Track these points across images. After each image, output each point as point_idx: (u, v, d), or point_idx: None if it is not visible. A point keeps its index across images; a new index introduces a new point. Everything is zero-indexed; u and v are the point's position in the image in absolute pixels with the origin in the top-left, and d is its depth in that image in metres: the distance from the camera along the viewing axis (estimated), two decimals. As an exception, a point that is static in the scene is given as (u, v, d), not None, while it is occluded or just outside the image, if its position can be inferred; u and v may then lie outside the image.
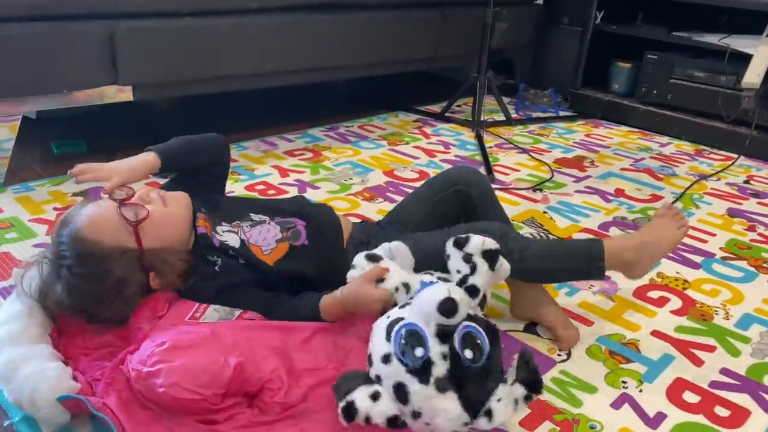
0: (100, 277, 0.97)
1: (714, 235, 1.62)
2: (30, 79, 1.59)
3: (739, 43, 2.22)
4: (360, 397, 0.81)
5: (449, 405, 0.80)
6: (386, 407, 0.81)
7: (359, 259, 0.99)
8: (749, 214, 1.76)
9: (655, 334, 1.19)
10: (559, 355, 1.11)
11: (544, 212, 1.70)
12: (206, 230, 1.07)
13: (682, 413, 0.99)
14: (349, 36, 2.21)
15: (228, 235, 1.08)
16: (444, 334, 0.82)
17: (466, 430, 0.83)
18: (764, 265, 1.47)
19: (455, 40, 2.57)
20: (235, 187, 1.75)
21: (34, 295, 0.99)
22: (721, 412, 1.00)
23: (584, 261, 1.09)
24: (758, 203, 1.84)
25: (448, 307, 0.81)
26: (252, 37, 1.96)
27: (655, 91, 2.47)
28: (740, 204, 1.83)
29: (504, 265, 0.98)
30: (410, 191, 1.33)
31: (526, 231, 1.56)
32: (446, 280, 0.96)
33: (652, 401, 1.01)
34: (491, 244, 0.96)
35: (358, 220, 1.32)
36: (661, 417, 0.98)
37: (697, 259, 1.49)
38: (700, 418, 0.98)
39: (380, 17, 2.29)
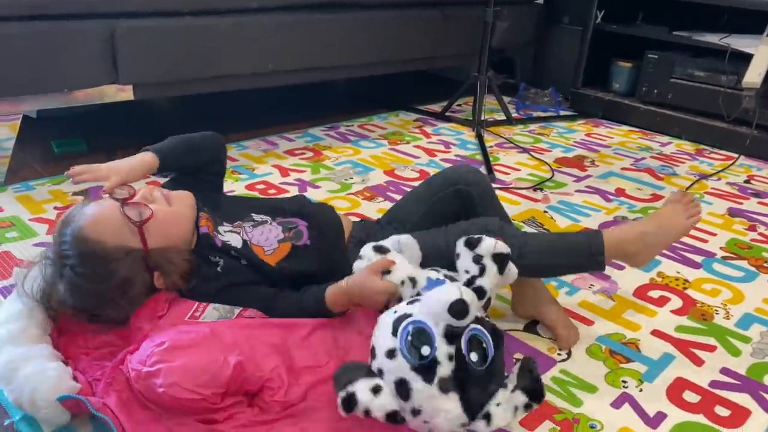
0: (105, 277, 0.97)
1: (714, 234, 1.62)
2: (30, 78, 1.59)
3: (739, 42, 2.21)
4: (361, 389, 0.81)
5: (450, 406, 0.80)
6: (386, 402, 0.81)
7: (366, 249, 0.99)
8: (750, 213, 1.76)
9: (656, 333, 1.19)
10: (559, 354, 1.11)
11: (545, 212, 1.70)
12: (209, 230, 1.07)
13: (683, 413, 0.99)
14: (350, 35, 2.21)
15: (230, 235, 1.08)
16: (452, 335, 0.82)
17: (463, 431, 0.83)
18: (765, 264, 1.47)
19: (455, 39, 2.56)
20: (235, 187, 1.75)
21: (36, 296, 0.99)
22: (722, 411, 1.00)
23: (584, 256, 1.09)
24: (759, 203, 1.84)
25: (459, 308, 0.81)
26: (252, 37, 1.96)
27: (655, 91, 2.46)
28: (741, 204, 1.83)
29: (512, 269, 0.98)
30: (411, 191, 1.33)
31: (526, 231, 1.56)
32: (453, 279, 0.96)
33: (652, 401, 1.01)
34: (503, 248, 0.96)
35: (358, 219, 1.32)
36: (661, 416, 0.98)
37: (698, 258, 1.49)
38: (700, 418, 0.98)
39: (380, 17, 2.29)
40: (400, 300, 0.93)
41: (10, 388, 0.87)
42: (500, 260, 0.95)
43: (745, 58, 2.12)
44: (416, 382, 0.81)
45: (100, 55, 1.68)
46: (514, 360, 1.08)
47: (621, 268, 1.41)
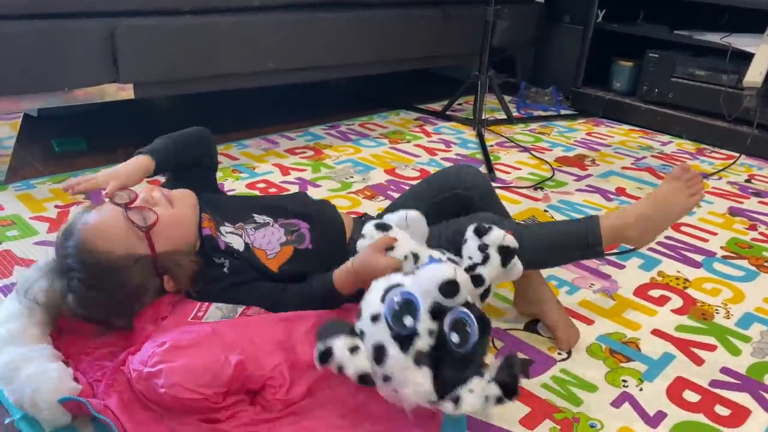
0: (116, 287, 0.96)
1: (715, 234, 1.61)
2: (31, 76, 1.59)
3: (740, 41, 2.21)
4: (339, 346, 0.84)
5: (421, 379, 0.81)
6: (361, 363, 0.83)
7: (369, 228, 1.00)
8: (750, 213, 1.76)
9: (656, 333, 1.19)
10: (559, 353, 1.11)
11: (545, 211, 1.70)
12: (211, 231, 1.06)
13: (683, 412, 0.99)
14: (351, 34, 2.21)
15: (232, 237, 1.07)
16: (437, 312, 0.82)
17: (431, 408, 0.84)
18: (765, 264, 1.47)
19: (456, 38, 2.56)
20: (236, 186, 1.75)
21: (42, 303, 0.97)
22: (722, 411, 1.00)
23: (582, 247, 1.07)
24: (759, 202, 1.84)
25: (449, 288, 0.82)
26: (253, 35, 1.96)
27: (656, 90, 2.46)
28: (741, 203, 1.82)
29: (517, 266, 0.98)
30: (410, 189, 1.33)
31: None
32: (455, 263, 0.96)
33: (652, 400, 1.01)
34: (511, 241, 0.96)
35: (359, 216, 1.32)
36: (661, 416, 0.98)
37: (698, 258, 1.49)
38: (700, 417, 0.98)
39: (381, 16, 2.29)
40: None
41: (11, 389, 0.87)
42: (505, 253, 0.95)
43: (746, 58, 2.11)
44: (392, 350, 0.82)
45: (101, 53, 1.68)
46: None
47: (621, 267, 1.41)
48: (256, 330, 0.95)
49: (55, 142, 1.97)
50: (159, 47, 1.78)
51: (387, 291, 0.86)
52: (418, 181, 1.29)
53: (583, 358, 1.10)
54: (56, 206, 1.56)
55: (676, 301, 1.30)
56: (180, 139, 1.19)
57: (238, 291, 1.03)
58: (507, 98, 2.63)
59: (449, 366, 0.82)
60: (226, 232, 1.07)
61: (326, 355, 0.83)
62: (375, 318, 0.84)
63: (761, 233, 1.63)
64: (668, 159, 2.18)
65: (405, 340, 0.81)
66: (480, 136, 2.22)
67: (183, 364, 0.84)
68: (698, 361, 1.11)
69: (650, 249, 1.50)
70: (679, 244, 1.54)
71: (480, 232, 0.96)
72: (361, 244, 0.99)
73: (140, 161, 1.11)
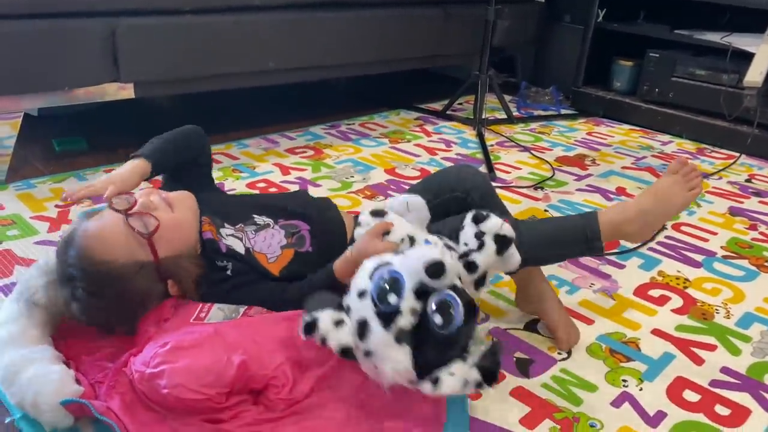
0: (121, 294, 0.95)
1: (715, 233, 1.62)
2: (31, 76, 1.60)
3: (741, 41, 2.21)
4: (324, 319, 0.86)
5: (401, 357, 0.82)
6: (344, 337, 0.85)
7: (364, 215, 1.00)
8: (750, 212, 1.76)
9: (656, 332, 1.19)
10: (559, 353, 1.11)
11: (545, 210, 1.70)
12: (212, 234, 1.06)
13: (683, 412, 0.99)
14: (351, 34, 2.21)
15: (232, 240, 1.06)
16: (422, 293, 0.82)
17: (410, 388, 0.84)
18: (765, 264, 1.47)
19: (457, 38, 2.56)
20: (236, 185, 1.75)
21: (46, 307, 0.97)
22: (722, 411, 1.00)
23: (581, 244, 1.07)
24: (759, 202, 1.84)
25: (435, 269, 0.82)
26: (253, 35, 1.96)
27: (656, 90, 2.46)
28: (741, 203, 1.83)
29: (514, 256, 0.98)
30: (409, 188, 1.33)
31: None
32: (451, 248, 0.96)
33: (652, 400, 1.01)
34: (508, 230, 0.96)
35: (356, 215, 1.32)
36: (661, 416, 0.98)
37: (698, 257, 1.49)
38: (700, 417, 0.98)
39: (382, 15, 2.29)
40: None
41: (12, 391, 0.87)
42: (500, 241, 0.95)
43: (747, 57, 2.11)
44: (375, 326, 0.82)
45: (101, 53, 1.68)
46: (515, 359, 1.08)
47: (621, 267, 1.41)
48: (259, 330, 0.95)
49: (55, 141, 1.97)
50: (159, 47, 1.78)
51: (376, 269, 0.87)
52: (417, 181, 1.28)
53: (583, 358, 1.10)
54: (56, 206, 1.56)
55: (677, 301, 1.30)
56: (174, 139, 1.18)
57: (240, 292, 1.02)
58: (507, 98, 2.63)
59: (431, 347, 0.83)
60: (227, 235, 1.07)
61: (311, 327, 0.86)
62: (362, 294, 0.85)
63: (761, 233, 1.63)
64: (668, 159, 2.18)
65: (388, 317, 0.82)
66: (480, 136, 2.22)
67: (185, 364, 0.84)
68: (698, 361, 1.11)
69: (650, 249, 1.50)
70: (679, 244, 1.54)
71: (477, 220, 0.97)
72: (358, 232, 1.00)
73: (136, 165, 1.10)
